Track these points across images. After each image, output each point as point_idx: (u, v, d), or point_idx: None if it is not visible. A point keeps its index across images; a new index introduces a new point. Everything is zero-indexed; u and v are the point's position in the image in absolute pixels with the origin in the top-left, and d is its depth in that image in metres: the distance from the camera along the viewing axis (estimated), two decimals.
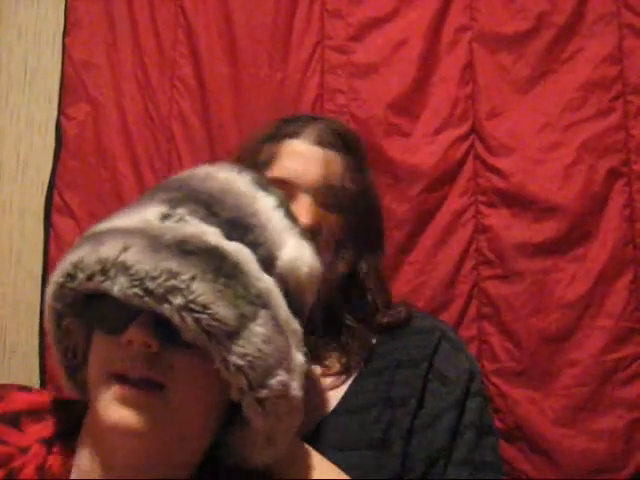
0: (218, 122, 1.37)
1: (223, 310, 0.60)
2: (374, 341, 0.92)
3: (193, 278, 0.60)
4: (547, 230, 1.29)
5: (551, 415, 1.24)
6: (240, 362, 0.60)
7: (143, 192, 1.36)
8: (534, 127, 1.33)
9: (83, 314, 0.67)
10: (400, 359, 0.90)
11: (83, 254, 0.63)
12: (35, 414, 0.71)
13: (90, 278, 0.62)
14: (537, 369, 1.25)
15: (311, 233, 0.85)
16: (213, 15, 1.41)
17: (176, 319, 0.59)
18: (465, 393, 0.88)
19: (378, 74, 1.36)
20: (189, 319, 0.59)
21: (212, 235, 0.64)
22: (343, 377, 0.88)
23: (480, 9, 1.36)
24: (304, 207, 0.86)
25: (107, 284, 0.60)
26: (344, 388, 0.88)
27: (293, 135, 0.92)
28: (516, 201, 1.30)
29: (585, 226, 1.29)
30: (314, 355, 0.88)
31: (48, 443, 0.66)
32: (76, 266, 0.63)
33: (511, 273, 1.29)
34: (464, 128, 1.33)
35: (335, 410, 0.85)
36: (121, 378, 0.61)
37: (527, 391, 1.23)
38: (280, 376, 0.62)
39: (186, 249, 0.61)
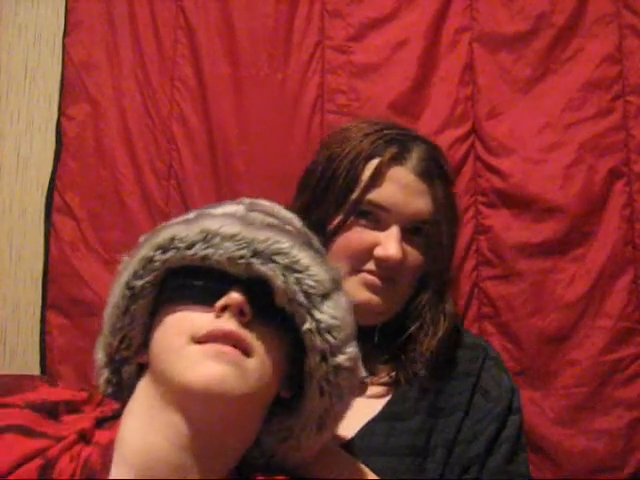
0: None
1: (320, 272, 0.68)
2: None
3: (292, 246, 0.68)
4: (547, 230, 1.29)
5: (551, 415, 1.24)
6: (331, 322, 0.67)
7: (143, 192, 1.38)
8: (534, 127, 1.33)
9: (167, 290, 0.70)
10: (449, 371, 0.92)
11: (177, 231, 0.70)
12: (71, 405, 0.72)
13: (190, 247, 0.67)
14: (537, 369, 1.26)
15: (397, 264, 0.87)
16: (213, 15, 1.41)
17: (279, 279, 0.66)
18: (507, 409, 0.91)
19: (378, 74, 1.36)
20: (292, 278, 0.66)
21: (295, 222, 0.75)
22: (390, 389, 0.89)
23: (480, 9, 1.36)
24: (394, 239, 0.88)
25: (209, 250, 0.66)
26: (389, 395, 0.89)
27: (399, 161, 0.91)
28: (516, 201, 1.30)
29: (585, 226, 1.29)
30: (365, 363, 0.90)
31: (86, 434, 0.67)
32: (172, 239, 0.69)
33: (511, 273, 1.29)
34: (464, 128, 1.33)
35: (379, 416, 0.87)
36: (212, 338, 0.64)
37: (527, 391, 1.23)
38: (354, 347, 0.69)
39: (278, 228, 0.70)
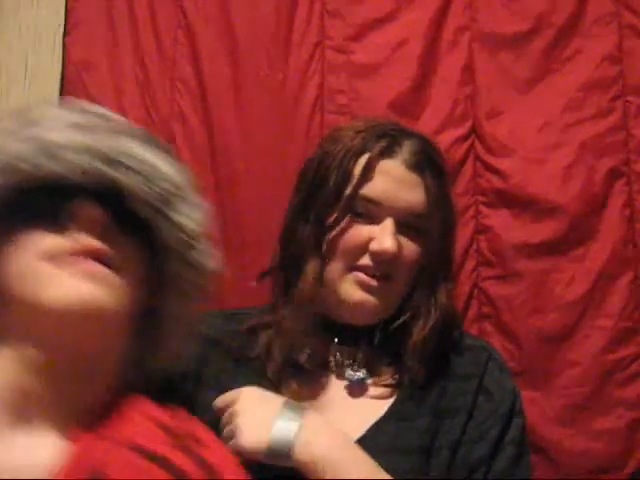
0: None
1: (171, 172, 0.67)
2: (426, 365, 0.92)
3: (142, 148, 0.66)
4: (547, 230, 1.29)
5: (551, 415, 1.24)
6: (185, 221, 0.67)
7: None
8: (534, 127, 1.33)
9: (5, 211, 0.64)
10: (451, 373, 0.91)
11: (16, 150, 0.63)
12: None
13: (36, 166, 0.62)
14: (537, 369, 1.25)
15: (389, 260, 0.87)
16: (213, 15, 1.41)
17: (133, 183, 0.64)
18: (510, 411, 0.90)
19: (378, 74, 1.36)
20: (144, 180, 0.64)
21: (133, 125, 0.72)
22: (393, 390, 0.89)
23: (480, 9, 1.36)
24: (388, 232, 0.87)
25: (57, 166, 0.61)
26: (393, 396, 0.89)
27: (387, 154, 0.91)
28: (516, 201, 1.30)
29: (585, 226, 1.29)
30: (369, 365, 0.90)
31: None
32: (15, 161, 0.62)
33: (511, 273, 1.29)
34: (464, 128, 1.33)
35: (386, 416, 0.87)
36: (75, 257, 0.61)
37: (527, 391, 1.23)
38: (208, 245, 0.72)
39: (124, 132, 0.67)
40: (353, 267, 0.89)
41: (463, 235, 1.30)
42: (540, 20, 1.35)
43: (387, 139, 0.92)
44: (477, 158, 1.33)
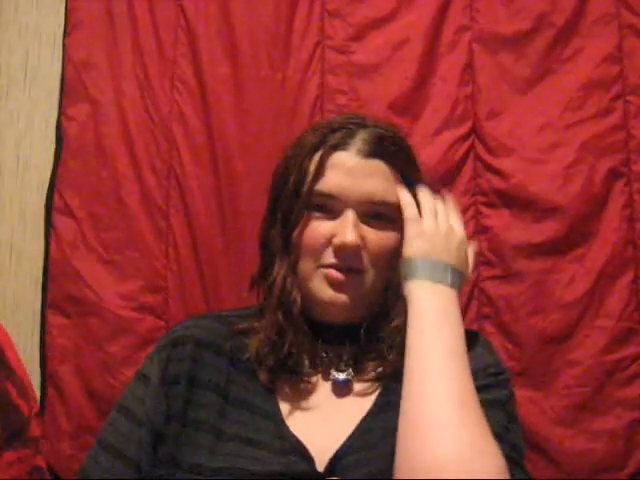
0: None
1: None
2: None
3: None
4: (547, 230, 1.29)
5: (551, 415, 1.24)
6: None
7: (143, 192, 1.38)
8: (534, 127, 1.33)
9: None
10: None
11: None
12: None
13: None
14: (537, 369, 1.26)
15: (352, 252, 0.86)
16: (213, 15, 1.41)
17: None
18: (492, 382, 0.87)
19: (378, 74, 1.36)
20: None
21: None
22: (377, 384, 0.88)
23: (480, 9, 1.36)
24: (348, 224, 0.86)
25: None
26: (377, 390, 0.88)
27: (339, 146, 0.89)
28: (516, 201, 1.30)
29: (585, 226, 1.29)
30: (355, 364, 0.89)
31: None
32: None
33: (511, 273, 1.29)
34: (464, 128, 1.33)
35: (371, 411, 0.86)
36: None
37: (527, 391, 1.24)
38: None
39: None
40: (321, 265, 0.88)
41: None
42: (540, 20, 1.35)
43: (341, 132, 0.91)
44: (477, 158, 1.33)
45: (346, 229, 0.85)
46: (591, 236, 1.29)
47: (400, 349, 0.86)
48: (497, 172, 1.32)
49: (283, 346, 0.87)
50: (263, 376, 0.88)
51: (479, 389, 0.81)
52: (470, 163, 1.33)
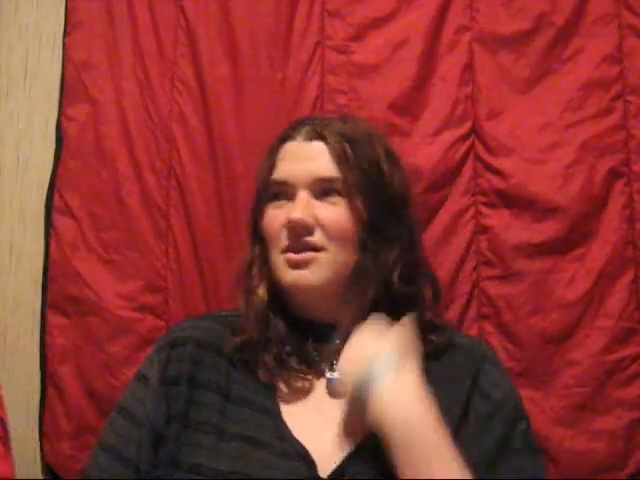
0: None
1: None
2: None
3: None
4: (547, 230, 1.29)
5: (551, 415, 1.24)
6: None
7: (143, 192, 1.38)
8: (534, 127, 1.32)
9: None
10: (442, 376, 0.87)
11: None
12: None
13: None
14: (537, 369, 1.25)
15: (303, 228, 0.87)
16: (213, 15, 1.41)
17: None
18: (515, 414, 0.87)
19: (378, 74, 1.36)
20: None
21: None
22: None
23: (480, 9, 1.36)
24: (296, 203, 0.88)
25: None
26: None
27: (288, 138, 0.94)
28: (516, 201, 1.30)
29: (585, 226, 1.29)
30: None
31: None
32: None
33: (511, 273, 1.29)
34: (464, 128, 1.33)
35: None
36: None
37: (527, 391, 1.23)
38: None
39: None
40: (281, 250, 0.89)
41: (463, 235, 1.31)
42: (540, 20, 1.34)
43: (292, 125, 0.95)
44: (477, 158, 1.33)
45: (294, 207, 0.87)
46: (591, 236, 1.28)
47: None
48: (497, 172, 1.32)
49: (267, 344, 0.88)
50: (263, 376, 0.88)
51: (509, 423, 0.85)
52: (470, 163, 1.33)
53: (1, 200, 1.46)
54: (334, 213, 0.88)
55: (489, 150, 1.32)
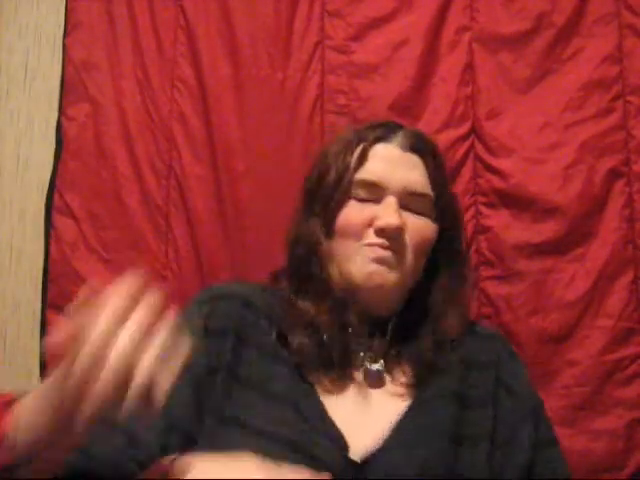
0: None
1: None
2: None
3: None
4: (547, 230, 1.29)
5: (551, 415, 1.23)
6: None
7: (143, 192, 1.38)
8: (534, 127, 1.33)
9: None
10: (468, 360, 0.92)
11: None
12: None
13: None
14: (537, 369, 1.25)
15: (395, 234, 0.88)
16: (213, 15, 1.41)
17: None
18: (536, 405, 0.93)
19: (378, 74, 1.36)
20: None
21: None
22: (411, 380, 0.90)
23: (480, 9, 1.36)
24: (390, 208, 0.89)
25: None
26: (412, 387, 0.89)
27: (382, 139, 0.94)
28: (516, 201, 1.30)
29: (585, 226, 1.29)
30: (385, 356, 0.91)
31: None
32: None
33: (511, 273, 1.29)
34: (464, 128, 1.33)
35: (409, 410, 0.87)
36: None
37: None
38: None
39: None
40: (363, 245, 0.90)
41: (463, 235, 1.30)
42: (540, 20, 1.35)
43: (382, 129, 0.95)
44: (477, 158, 1.33)
45: (389, 211, 0.88)
46: (591, 236, 1.29)
47: (432, 351, 0.89)
48: (497, 172, 1.32)
49: (318, 333, 0.89)
50: (306, 370, 0.88)
51: (535, 415, 0.89)
52: (470, 163, 1.33)
53: (1, 200, 1.46)
54: (421, 226, 0.92)
55: (489, 150, 1.33)
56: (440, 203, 0.94)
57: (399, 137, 0.94)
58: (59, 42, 1.47)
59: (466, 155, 1.33)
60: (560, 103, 1.33)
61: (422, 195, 0.92)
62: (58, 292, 1.37)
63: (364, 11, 1.39)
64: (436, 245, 0.94)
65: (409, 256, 0.90)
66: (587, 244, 1.28)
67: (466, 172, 1.33)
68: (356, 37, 1.38)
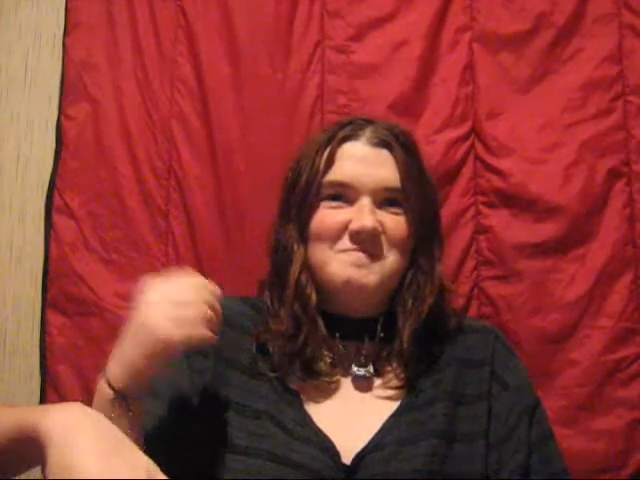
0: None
1: None
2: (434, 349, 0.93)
3: None
4: (547, 230, 1.29)
5: (551, 415, 1.23)
6: None
7: (143, 192, 1.38)
8: (534, 127, 1.33)
9: None
10: (460, 357, 0.91)
11: None
12: None
13: None
14: (537, 369, 1.25)
15: (371, 236, 0.87)
16: (213, 15, 1.41)
17: None
18: (532, 401, 0.92)
19: (378, 74, 1.36)
20: None
21: None
22: (400, 381, 0.89)
23: (480, 9, 1.36)
24: (364, 210, 0.87)
25: None
26: (401, 388, 0.89)
27: (349, 138, 0.92)
28: (516, 201, 1.30)
29: (585, 226, 1.29)
30: (374, 360, 0.90)
31: None
32: None
33: (511, 273, 1.29)
34: (464, 128, 1.33)
35: (399, 409, 0.87)
36: None
37: None
38: None
39: None
40: (338, 250, 0.89)
41: (463, 235, 1.31)
42: (540, 20, 1.35)
43: (350, 127, 0.94)
44: (477, 158, 1.33)
45: (363, 214, 0.87)
46: (591, 236, 1.28)
47: (421, 348, 0.88)
48: (497, 172, 1.32)
49: (298, 340, 0.88)
50: (290, 382, 0.88)
51: (530, 411, 0.89)
52: (470, 163, 1.33)
53: (1, 200, 1.46)
54: (398, 223, 0.90)
55: (489, 150, 1.33)
56: (415, 195, 0.91)
57: (367, 133, 0.92)
58: (59, 42, 1.47)
59: (466, 155, 1.33)
60: (560, 103, 1.33)
61: (396, 190, 0.90)
62: (58, 292, 1.37)
63: (364, 11, 1.39)
64: (414, 236, 0.92)
65: (389, 256, 0.89)
66: (587, 244, 1.28)
67: (466, 172, 1.33)
68: (356, 37, 1.38)
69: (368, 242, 0.88)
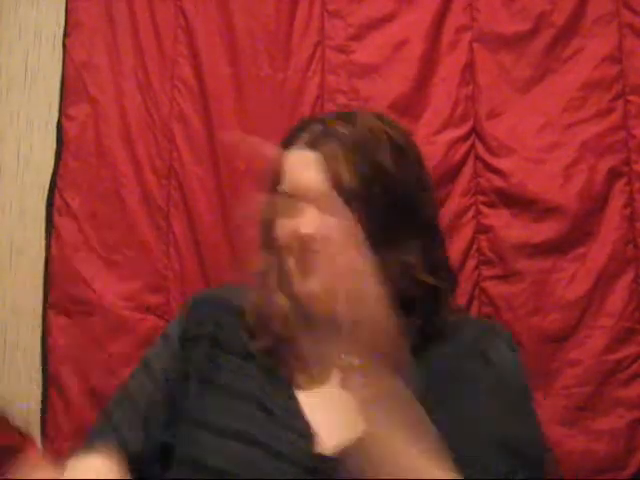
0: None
1: None
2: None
3: None
4: (547, 230, 1.29)
5: (551, 415, 1.24)
6: None
7: (143, 192, 1.38)
8: (534, 127, 1.33)
9: None
10: (458, 353, 0.87)
11: None
12: None
13: None
14: (537, 369, 1.25)
15: (315, 241, 0.83)
16: (213, 15, 1.41)
17: None
18: (522, 386, 0.88)
19: (378, 74, 1.36)
20: None
21: None
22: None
23: (480, 9, 1.36)
24: (306, 219, 0.84)
25: None
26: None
27: (287, 145, 0.89)
28: (516, 201, 1.30)
29: (585, 226, 1.29)
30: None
31: None
32: None
33: (511, 273, 1.29)
34: (464, 128, 1.33)
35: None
36: None
37: None
38: None
39: None
40: (293, 261, 0.87)
41: (464, 235, 1.31)
42: (540, 20, 1.35)
43: (294, 128, 0.91)
44: (477, 158, 1.33)
45: (303, 224, 0.83)
46: (591, 235, 1.29)
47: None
48: (497, 172, 1.32)
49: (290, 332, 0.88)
50: (280, 368, 0.87)
51: (517, 391, 0.85)
52: (470, 163, 1.33)
53: (1, 200, 1.46)
54: (354, 228, 0.81)
55: (489, 150, 1.33)
56: (357, 191, 0.84)
57: (302, 137, 0.88)
58: (59, 42, 1.47)
59: (466, 155, 1.33)
60: (560, 103, 1.33)
61: (322, 194, 0.84)
62: (59, 292, 1.37)
63: (364, 11, 1.39)
64: (382, 229, 0.84)
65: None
66: (588, 244, 1.28)
67: (467, 172, 1.33)
68: (356, 37, 1.38)
69: (311, 248, 0.85)
